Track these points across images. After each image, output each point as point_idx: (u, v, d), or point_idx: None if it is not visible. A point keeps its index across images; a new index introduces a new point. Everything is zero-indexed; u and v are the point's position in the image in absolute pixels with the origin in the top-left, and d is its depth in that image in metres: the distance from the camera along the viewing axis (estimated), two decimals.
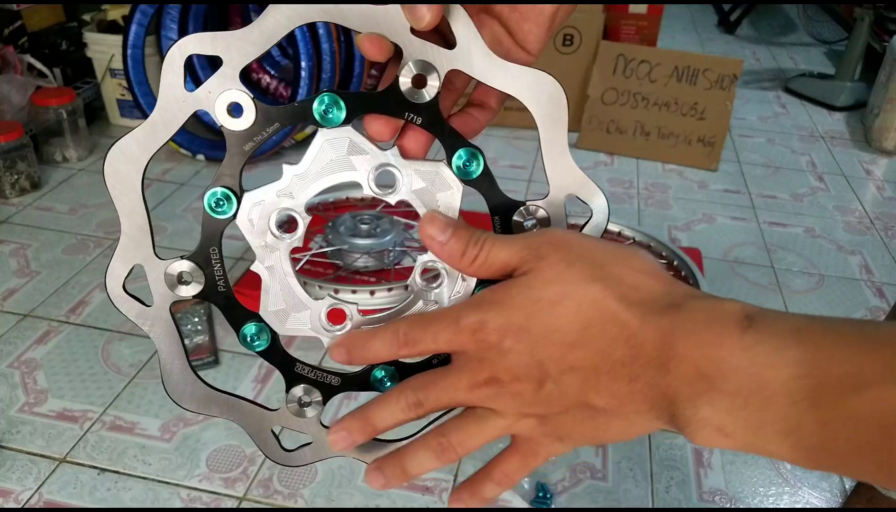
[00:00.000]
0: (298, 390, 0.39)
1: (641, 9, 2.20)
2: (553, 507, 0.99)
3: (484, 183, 0.36)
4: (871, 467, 0.27)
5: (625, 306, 0.30)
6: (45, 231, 1.55)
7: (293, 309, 0.36)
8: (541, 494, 0.99)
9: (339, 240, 1.31)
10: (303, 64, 1.71)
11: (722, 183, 1.92)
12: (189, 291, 0.36)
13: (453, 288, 0.36)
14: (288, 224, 0.36)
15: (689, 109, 1.96)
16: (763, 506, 1.01)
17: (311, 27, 1.71)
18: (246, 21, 2.04)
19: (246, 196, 0.36)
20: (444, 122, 0.35)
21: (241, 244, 1.50)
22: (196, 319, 1.27)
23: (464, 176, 0.36)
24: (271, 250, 0.36)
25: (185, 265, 0.36)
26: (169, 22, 1.85)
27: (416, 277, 0.37)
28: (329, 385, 0.38)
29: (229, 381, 1.16)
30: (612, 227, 1.52)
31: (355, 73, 1.89)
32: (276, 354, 0.38)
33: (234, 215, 0.36)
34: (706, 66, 1.93)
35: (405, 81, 0.34)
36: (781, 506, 1.01)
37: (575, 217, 0.39)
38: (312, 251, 1.29)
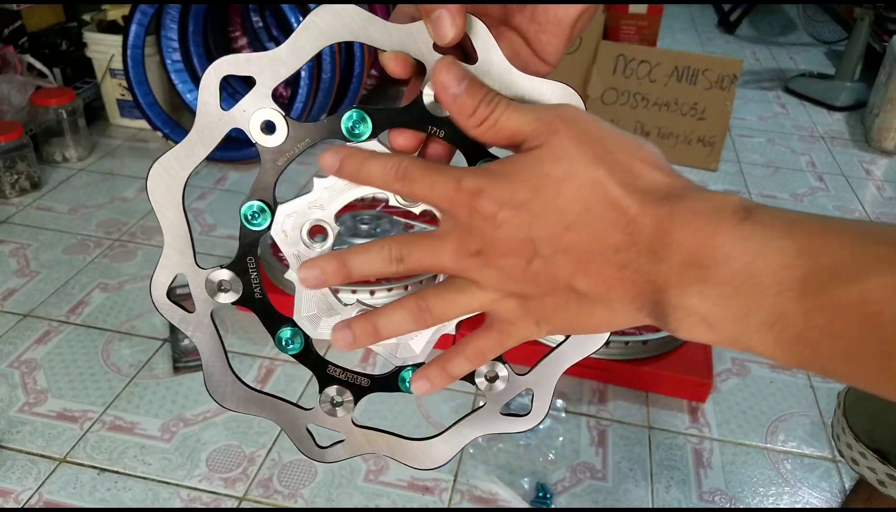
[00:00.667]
0: (331, 391, 0.40)
1: (641, 9, 2.20)
2: (553, 507, 0.99)
3: None
4: (845, 360, 0.27)
5: (626, 192, 0.30)
6: (45, 231, 1.55)
7: (324, 314, 0.38)
8: (541, 494, 0.99)
9: (339, 240, 1.31)
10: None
11: (722, 183, 1.92)
12: (228, 298, 0.38)
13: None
14: (318, 234, 0.38)
15: (689, 109, 1.96)
16: (763, 506, 1.01)
17: None
18: (246, 21, 2.04)
19: (280, 208, 0.37)
20: (466, 134, 0.35)
21: None
22: None
23: None
24: (303, 259, 0.37)
25: (224, 274, 0.38)
26: (169, 22, 1.84)
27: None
28: (359, 386, 0.40)
29: None
30: None
31: (355, 73, 1.89)
32: (310, 356, 0.39)
33: (269, 227, 0.37)
34: (706, 66, 1.93)
35: (428, 96, 0.35)
36: (781, 506, 1.01)
37: None
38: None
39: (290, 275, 0.37)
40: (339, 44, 1.79)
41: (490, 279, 0.33)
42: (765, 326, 0.28)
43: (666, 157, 0.33)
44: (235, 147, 1.78)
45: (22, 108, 1.77)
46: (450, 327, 0.37)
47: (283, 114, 0.35)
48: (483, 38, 0.34)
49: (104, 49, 1.89)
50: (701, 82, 1.94)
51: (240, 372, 1.18)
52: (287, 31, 1.88)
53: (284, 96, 1.96)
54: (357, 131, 0.35)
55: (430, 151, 0.37)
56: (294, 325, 0.38)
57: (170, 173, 0.37)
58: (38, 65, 1.89)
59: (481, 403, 0.40)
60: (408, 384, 0.38)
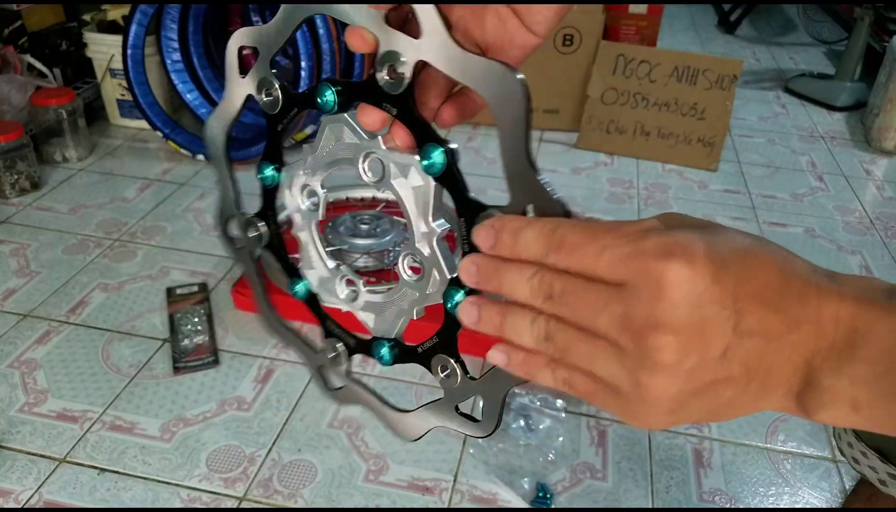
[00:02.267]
0: (331, 341, 0.45)
1: (641, 9, 2.20)
2: (553, 507, 0.99)
3: (448, 180, 0.35)
4: None
5: (795, 271, 0.29)
6: (45, 231, 1.55)
7: (320, 272, 0.46)
8: (541, 494, 0.99)
9: (338, 240, 1.31)
10: (303, 64, 1.71)
11: (722, 183, 1.92)
12: (255, 233, 0.46)
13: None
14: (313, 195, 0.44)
15: (689, 109, 1.96)
16: (763, 506, 1.01)
17: (312, 27, 1.71)
18: (246, 21, 2.04)
19: (284, 170, 0.43)
20: (415, 113, 0.35)
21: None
22: (196, 319, 1.27)
23: (428, 171, 0.35)
24: (305, 218, 0.44)
25: (253, 218, 0.46)
26: (169, 22, 1.84)
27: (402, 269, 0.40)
28: (348, 345, 0.45)
29: (229, 381, 1.16)
30: None
31: (355, 73, 1.89)
32: (315, 306, 0.46)
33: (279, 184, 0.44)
34: (706, 66, 1.93)
35: (381, 73, 0.35)
36: (781, 506, 1.01)
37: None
38: None
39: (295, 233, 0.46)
40: (339, 43, 1.80)
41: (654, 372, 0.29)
42: None
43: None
44: (236, 147, 1.78)
45: (22, 108, 1.77)
46: (437, 299, 0.38)
47: (281, 82, 0.41)
48: (426, 14, 0.33)
49: (104, 49, 1.89)
50: (701, 82, 1.94)
51: (239, 373, 1.19)
52: None
53: None
54: (323, 100, 0.38)
55: (393, 132, 0.37)
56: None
57: (216, 125, 0.45)
58: (38, 65, 1.89)
59: (439, 396, 0.41)
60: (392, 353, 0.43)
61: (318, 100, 0.38)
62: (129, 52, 1.81)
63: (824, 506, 1.01)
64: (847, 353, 0.28)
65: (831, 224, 1.74)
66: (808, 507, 1.01)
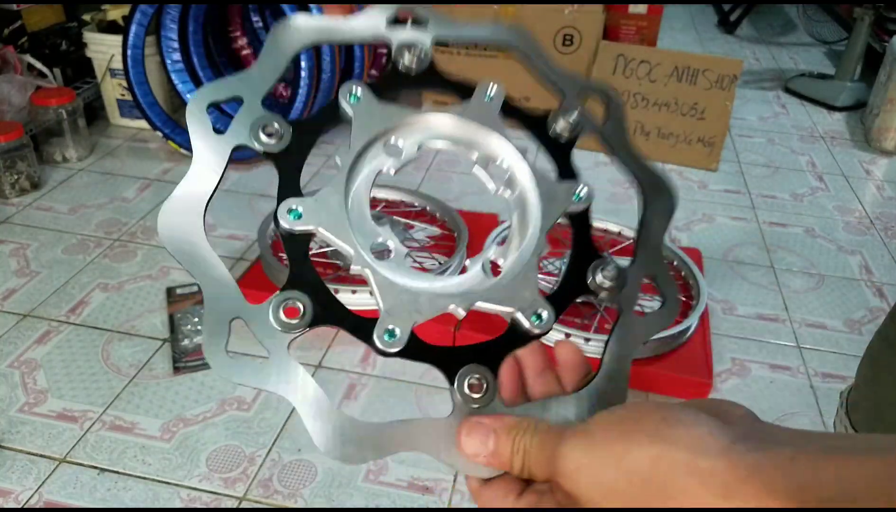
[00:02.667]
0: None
1: (641, 9, 2.20)
2: None
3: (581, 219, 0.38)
4: None
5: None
6: (45, 231, 1.55)
7: None
8: None
9: None
10: (303, 64, 1.71)
11: (722, 183, 1.92)
12: (302, 322, 0.33)
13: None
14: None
15: (689, 109, 1.96)
16: None
17: None
18: (246, 21, 2.04)
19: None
20: (446, 79, 0.38)
21: (242, 244, 1.50)
22: (196, 319, 1.27)
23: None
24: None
25: (295, 297, 0.33)
26: (169, 22, 1.84)
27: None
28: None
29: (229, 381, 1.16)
30: (612, 227, 1.52)
31: (355, 73, 1.89)
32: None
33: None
34: (706, 66, 1.93)
35: (399, 58, 0.38)
36: None
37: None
38: (313, 251, 1.29)
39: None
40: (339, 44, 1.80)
41: None
42: None
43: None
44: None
45: (22, 108, 1.77)
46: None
47: (281, 116, 0.35)
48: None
49: (104, 49, 1.89)
50: (701, 82, 1.94)
51: None
52: None
53: (284, 96, 1.96)
54: (354, 95, 0.36)
55: None
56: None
57: (184, 212, 0.34)
58: (38, 65, 1.89)
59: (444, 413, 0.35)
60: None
61: (346, 102, 0.36)
62: (129, 52, 1.81)
63: None
64: None
65: (831, 224, 1.74)
66: None
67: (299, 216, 0.33)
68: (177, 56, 1.89)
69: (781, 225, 1.73)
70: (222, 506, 0.97)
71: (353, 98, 0.35)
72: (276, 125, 0.34)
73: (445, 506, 0.98)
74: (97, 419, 1.09)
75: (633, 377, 1.29)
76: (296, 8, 1.69)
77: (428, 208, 1.52)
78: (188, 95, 1.91)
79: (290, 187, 0.34)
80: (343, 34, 0.37)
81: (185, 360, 1.19)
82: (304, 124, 0.35)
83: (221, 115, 1.59)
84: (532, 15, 2.02)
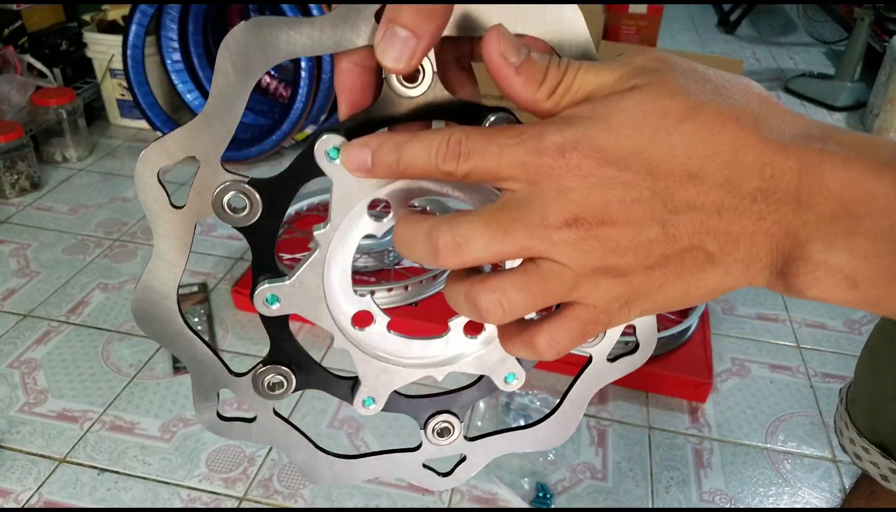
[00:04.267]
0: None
1: (641, 9, 2.20)
2: (553, 507, 0.99)
3: None
4: None
5: (765, 129, 0.25)
6: (45, 231, 1.55)
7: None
8: (541, 494, 0.99)
9: None
10: (303, 64, 1.71)
11: None
12: (285, 392, 0.35)
13: None
14: None
15: None
16: (763, 506, 1.01)
17: None
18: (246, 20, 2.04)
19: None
20: (531, 110, 0.32)
21: (241, 244, 1.50)
22: (196, 319, 1.27)
23: None
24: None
25: (277, 371, 0.35)
26: (169, 22, 1.85)
27: None
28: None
29: None
30: None
31: None
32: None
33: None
34: (706, 65, 1.93)
35: (391, 86, 0.30)
36: (781, 506, 1.01)
37: None
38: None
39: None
40: None
41: (584, 256, 0.26)
42: None
43: None
44: (235, 147, 1.78)
45: (22, 108, 1.77)
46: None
47: (248, 179, 0.30)
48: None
49: (104, 49, 1.89)
50: None
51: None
52: None
53: (284, 96, 1.96)
54: (332, 153, 0.29)
55: None
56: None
57: (157, 301, 0.32)
58: (38, 65, 1.89)
59: (414, 445, 0.39)
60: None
61: (324, 160, 0.28)
62: (129, 52, 1.81)
63: (824, 506, 1.01)
64: (844, 224, 0.24)
65: None
66: (808, 507, 1.01)
67: (276, 301, 0.32)
68: (177, 56, 1.89)
69: None
70: (222, 506, 0.97)
71: (333, 152, 0.28)
72: (242, 196, 0.29)
73: (445, 506, 0.98)
74: (97, 419, 1.09)
75: (633, 377, 1.29)
76: (296, 8, 1.69)
77: (428, 209, 1.52)
78: (188, 95, 1.91)
79: (265, 264, 0.31)
80: (312, 44, 0.28)
81: None
82: (276, 185, 0.30)
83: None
84: None
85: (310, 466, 0.37)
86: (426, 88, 0.29)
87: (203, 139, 0.28)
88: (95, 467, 1.01)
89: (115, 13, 1.96)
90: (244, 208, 0.30)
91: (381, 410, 0.36)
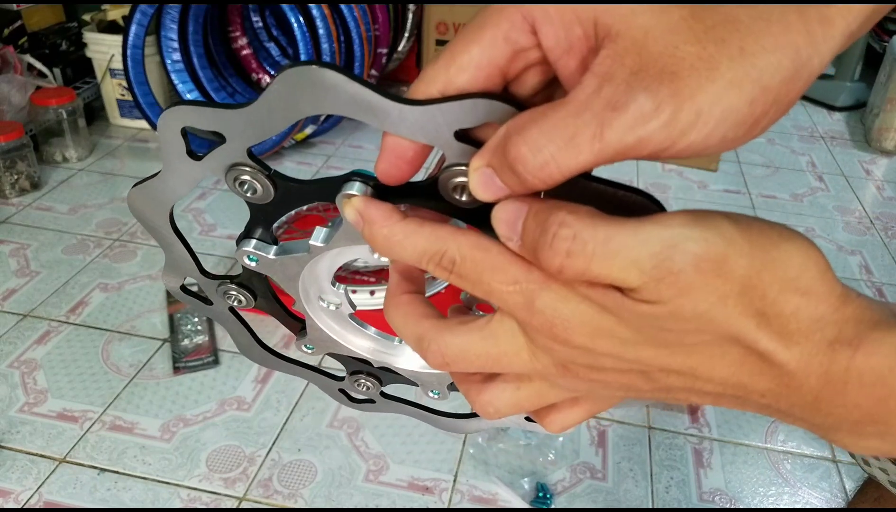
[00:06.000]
0: (354, 377, 0.41)
1: None
2: (553, 507, 0.99)
3: None
4: None
5: (783, 345, 0.23)
6: (45, 231, 1.55)
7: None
8: (541, 494, 0.99)
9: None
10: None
11: (722, 183, 1.92)
12: (243, 306, 0.38)
13: None
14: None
15: None
16: (763, 506, 1.01)
17: (312, 27, 1.71)
18: (246, 21, 2.04)
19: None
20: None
21: None
22: (196, 319, 1.27)
23: None
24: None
25: (241, 292, 0.37)
26: (169, 22, 1.85)
27: None
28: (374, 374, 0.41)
29: (229, 381, 1.16)
30: None
31: (355, 73, 1.89)
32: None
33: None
34: None
35: (449, 182, 0.28)
36: (781, 506, 1.01)
37: None
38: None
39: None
40: (339, 44, 1.79)
41: (570, 385, 0.27)
42: None
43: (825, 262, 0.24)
44: None
45: (22, 108, 1.77)
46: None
47: (269, 172, 0.30)
48: None
49: (104, 49, 1.89)
50: None
51: (239, 373, 1.19)
52: (287, 31, 1.87)
53: None
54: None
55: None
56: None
57: (152, 200, 0.33)
58: (38, 65, 1.89)
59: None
60: None
61: (342, 203, 0.29)
62: (129, 52, 1.81)
63: (824, 506, 1.01)
64: (872, 429, 0.24)
65: (831, 224, 1.74)
66: (808, 507, 1.01)
67: (255, 261, 0.33)
68: (177, 56, 1.89)
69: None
70: (222, 506, 0.97)
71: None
72: (255, 183, 0.30)
73: (445, 506, 0.98)
74: (97, 419, 1.09)
75: None
76: (296, 9, 1.69)
77: None
78: (188, 96, 1.91)
79: (259, 226, 0.32)
80: (393, 126, 0.26)
81: (184, 360, 1.19)
82: (293, 188, 0.30)
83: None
84: None
85: (248, 348, 0.42)
86: (474, 202, 0.27)
87: (236, 126, 0.28)
88: (95, 467, 1.01)
89: (115, 13, 1.96)
90: (254, 192, 0.30)
91: (317, 354, 0.40)
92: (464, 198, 0.27)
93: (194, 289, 0.39)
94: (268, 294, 0.37)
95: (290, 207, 0.31)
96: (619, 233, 0.22)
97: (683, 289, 0.22)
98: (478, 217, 0.28)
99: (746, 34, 0.22)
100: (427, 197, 0.28)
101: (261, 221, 0.32)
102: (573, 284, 0.24)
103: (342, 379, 0.41)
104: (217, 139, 0.28)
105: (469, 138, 0.26)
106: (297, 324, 0.39)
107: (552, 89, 0.27)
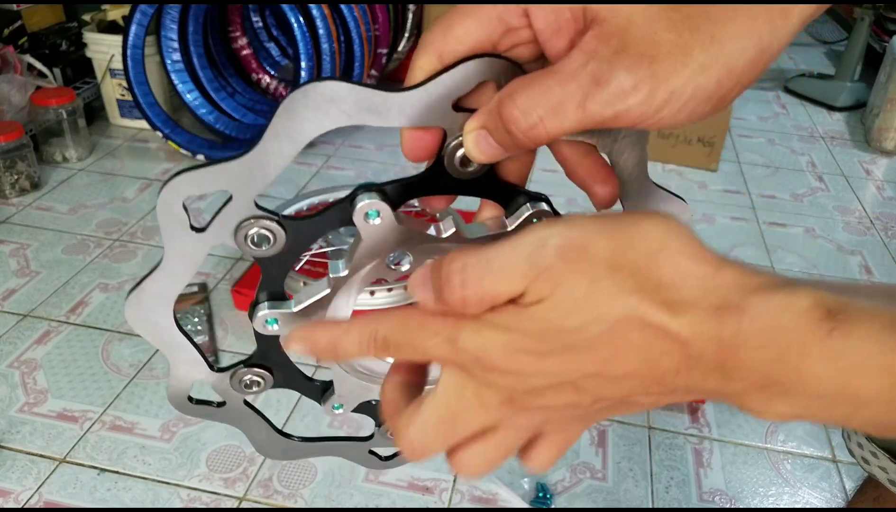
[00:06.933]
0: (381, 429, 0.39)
1: None
2: (553, 507, 0.99)
3: None
4: None
5: (671, 315, 0.24)
6: (45, 231, 1.55)
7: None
8: (541, 494, 0.99)
9: (339, 240, 1.31)
10: (303, 64, 1.71)
11: (722, 183, 1.92)
12: (260, 390, 0.36)
13: None
14: None
15: None
16: (763, 506, 1.01)
17: (311, 26, 1.71)
18: (246, 20, 2.04)
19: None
20: (499, 180, 0.31)
21: None
22: (196, 319, 1.27)
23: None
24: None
25: (255, 373, 0.35)
26: (169, 22, 1.85)
27: None
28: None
29: None
30: None
31: (355, 74, 1.89)
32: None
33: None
34: None
35: (451, 157, 0.29)
36: (781, 506, 1.01)
37: None
38: (312, 251, 1.29)
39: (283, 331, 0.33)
40: (339, 44, 1.79)
41: (525, 420, 0.28)
42: (871, 426, 0.26)
43: (690, 215, 0.28)
44: (236, 147, 1.78)
45: (22, 108, 1.77)
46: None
47: (278, 218, 0.29)
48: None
49: (104, 49, 1.89)
50: None
51: None
52: (287, 31, 1.87)
53: (284, 96, 1.96)
54: (372, 214, 0.29)
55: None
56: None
57: (152, 300, 0.32)
58: (38, 65, 1.89)
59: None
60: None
61: (361, 219, 0.29)
62: (129, 52, 1.81)
63: (824, 506, 1.01)
64: (774, 389, 0.25)
65: (831, 224, 1.74)
66: (808, 507, 1.01)
67: (275, 323, 0.33)
68: (177, 56, 1.89)
69: (781, 225, 1.73)
70: (222, 506, 0.97)
71: (372, 214, 0.29)
72: (266, 232, 0.29)
73: (445, 506, 0.98)
74: (97, 419, 1.09)
75: None
76: (296, 8, 1.69)
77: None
78: (188, 95, 1.91)
79: (271, 286, 0.32)
80: (390, 116, 0.28)
81: None
82: (304, 226, 0.30)
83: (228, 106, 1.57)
84: None
85: (266, 443, 0.39)
86: (477, 170, 0.30)
87: (240, 178, 0.28)
88: (95, 467, 1.01)
89: (115, 13, 1.96)
90: (265, 243, 0.30)
91: (349, 411, 0.39)
92: (469, 168, 0.29)
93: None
94: (285, 365, 0.35)
95: (302, 249, 0.30)
96: (498, 251, 0.25)
97: (558, 280, 0.25)
98: (482, 189, 0.30)
99: (717, 23, 0.25)
100: (435, 179, 0.30)
101: (271, 279, 0.31)
102: (481, 317, 0.26)
103: (370, 437, 0.40)
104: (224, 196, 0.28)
105: (466, 109, 0.28)
106: (319, 388, 0.38)
107: (539, 64, 0.29)
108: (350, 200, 0.29)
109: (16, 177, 1.66)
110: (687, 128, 1.97)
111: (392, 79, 2.27)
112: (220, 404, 0.37)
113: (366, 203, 0.28)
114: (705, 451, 1.09)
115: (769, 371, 0.25)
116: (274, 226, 0.29)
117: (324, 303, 0.32)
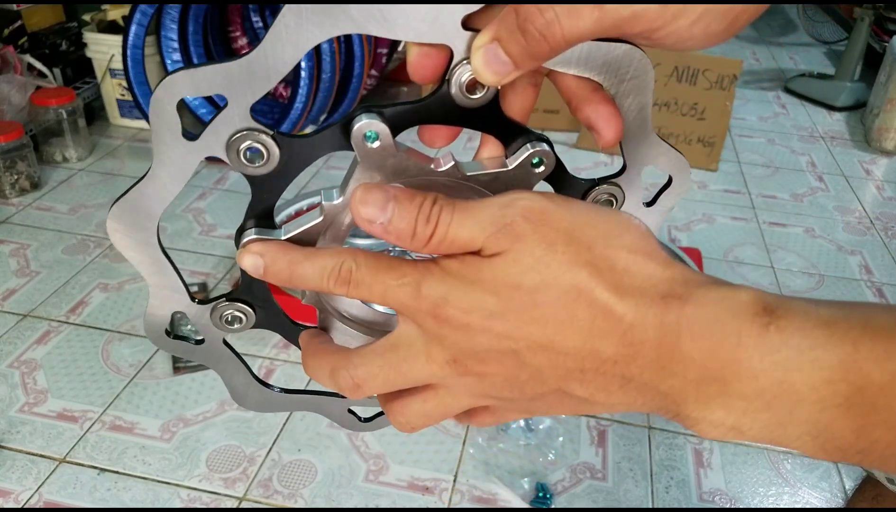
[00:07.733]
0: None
1: None
2: (553, 507, 0.99)
3: (555, 172, 0.31)
4: None
5: (618, 297, 0.25)
6: (45, 231, 1.55)
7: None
8: (541, 494, 0.99)
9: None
10: (302, 63, 1.71)
11: (722, 183, 1.92)
12: (241, 327, 0.35)
13: None
14: None
15: (689, 109, 1.96)
16: (763, 506, 1.01)
17: None
18: (246, 20, 2.04)
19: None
20: (502, 115, 0.30)
21: None
22: None
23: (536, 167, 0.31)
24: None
25: (238, 308, 0.34)
26: (169, 22, 1.85)
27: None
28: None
29: None
30: None
31: (355, 73, 1.89)
32: None
33: None
34: (706, 66, 1.93)
35: (455, 86, 0.29)
36: (781, 506, 1.01)
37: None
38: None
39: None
40: (339, 43, 1.79)
41: (465, 386, 0.29)
42: (807, 436, 0.26)
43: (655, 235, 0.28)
44: None
45: (22, 108, 1.77)
46: None
47: (273, 132, 0.28)
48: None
49: (104, 49, 1.89)
50: (701, 82, 1.94)
51: None
52: None
53: (284, 96, 1.96)
54: (371, 136, 0.28)
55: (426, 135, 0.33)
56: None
57: (138, 213, 0.30)
58: (38, 65, 1.89)
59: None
60: None
61: (359, 140, 0.28)
62: (129, 52, 1.81)
63: (824, 506, 1.01)
64: (713, 388, 0.25)
65: (831, 224, 1.74)
66: (808, 507, 1.01)
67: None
68: (177, 56, 1.89)
69: (781, 225, 1.73)
70: (222, 506, 0.97)
71: (371, 135, 0.28)
72: (260, 146, 0.28)
73: (445, 506, 0.98)
74: (97, 419, 1.09)
75: None
76: None
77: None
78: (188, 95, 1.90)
79: (260, 211, 0.31)
80: (390, 28, 0.27)
81: (185, 360, 1.19)
82: (299, 145, 0.29)
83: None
84: None
85: (243, 391, 0.38)
86: (481, 98, 0.29)
87: (239, 81, 0.27)
88: (95, 467, 1.01)
89: (115, 13, 1.96)
90: (258, 159, 0.29)
91: None
92: (474, 96, 0.29)
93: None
94: (269, 303, 0.34)
95: (296, 172, 0.30)
96: (470, 205, 0.27)
97: (518, 236, 0.26)
98: (484, 122, 0.30)
99: None
100: (437, 106, 0.29)
101: (262, 203, 0.31)
102: (446, 267, 0.27)
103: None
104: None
105: (475, 29, 0.27)
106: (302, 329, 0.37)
107: None
108: (349, 120, 0.28)
109: (16, 177, 1.66)
110: (687, 128, 1.97)
111: (392, 79, 2.27)
112: (199, 341, 0.35)
113: (365, 123, 0.28)
114: (705, 451, 1.09)
115: (707, 363, 0.25)
116: (268, 140, 0.28)
117: (312, 233, 0.30)
